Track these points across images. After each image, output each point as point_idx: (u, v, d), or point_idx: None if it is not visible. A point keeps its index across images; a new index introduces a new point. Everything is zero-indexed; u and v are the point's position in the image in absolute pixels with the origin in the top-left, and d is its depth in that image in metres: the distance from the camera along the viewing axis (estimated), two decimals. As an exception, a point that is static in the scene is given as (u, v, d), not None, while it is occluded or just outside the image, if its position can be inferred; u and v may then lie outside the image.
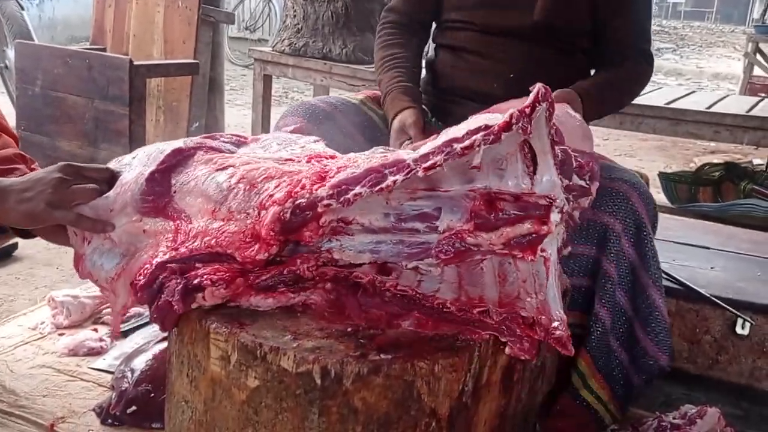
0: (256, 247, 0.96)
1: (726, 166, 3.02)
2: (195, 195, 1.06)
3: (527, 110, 0.91)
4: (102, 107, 2.95)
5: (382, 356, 0.91)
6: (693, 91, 3.31)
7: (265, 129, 3.77)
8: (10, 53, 4.25)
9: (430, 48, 1.78)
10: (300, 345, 0.91)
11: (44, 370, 1.59)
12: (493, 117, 0.93)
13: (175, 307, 0.96)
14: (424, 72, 1.74)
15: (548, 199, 0.94)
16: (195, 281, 0.96)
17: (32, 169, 1.28)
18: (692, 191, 2.98)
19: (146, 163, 1.11)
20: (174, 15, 3.55)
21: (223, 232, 1.00)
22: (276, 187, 0.99)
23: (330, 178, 0.97)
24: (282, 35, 3.55)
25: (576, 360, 1.37)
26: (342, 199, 0.93)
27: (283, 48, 3.50)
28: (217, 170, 1.07)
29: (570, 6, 1.55)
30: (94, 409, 1.45)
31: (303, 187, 0.99)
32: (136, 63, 2.87)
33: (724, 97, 3.01)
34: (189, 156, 1.12)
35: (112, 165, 1.16)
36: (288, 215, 0.95)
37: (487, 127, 0.91)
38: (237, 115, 6.09)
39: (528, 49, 1.56)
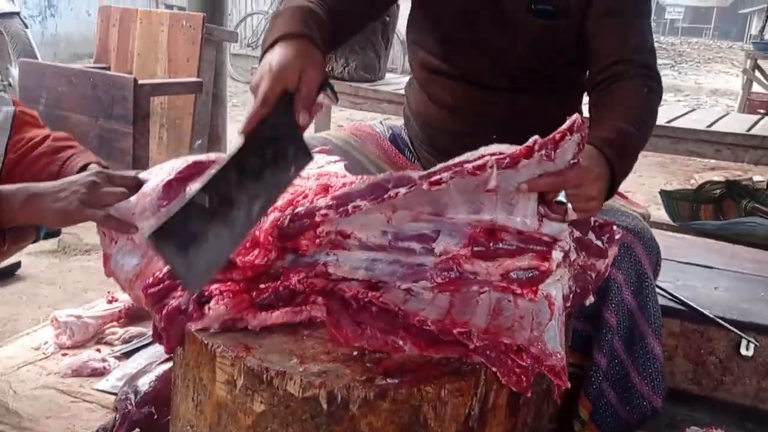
0: (256, 251, 0.98)
1: (727, 184, 3.03)
2: None
3: (557, 137, 0.90)
4: (106, 126, 2.96)
5: (389, 381, 0.90)
6: (693, 109, 3.33)
7: (267, 146, 3.80)
8: (14, 71, 4.28)
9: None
10: (306, 369, 0.91)
11: (48, 391, 1.59)
12: (509, 147, 0.93)
13: (189, 316, 0.96)
14: (406, 105, 1.65)
15: (552, 239, 0.93)
16: (205, 293, 0.98)
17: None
18: (694, 209, 2.98)
19: (168, 172, 1.16)
20: (178, 34, 3.58)
21: None
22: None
23: (334, 191, 0.99)
24: (284, 54, 3.57)
25: (577, 405, 1.39)
26: (341, 209, 0.94)
27: (285, 66, 3.52)
28: None
29: (552, 48, 1.40)
30: (97, 431, 1.45)
31: (305, 197, 1.00)
32: (140, 82, 2.89)
33: (725, 116, 3.02)
34: (206, 168, 1.15)
35: (143, 174, 1.21)
36: (286, 221, 0.96)
37: (501, 152, 0.90)
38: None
39: (511, 101, 1.44)
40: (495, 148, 0.93)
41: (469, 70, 1.45)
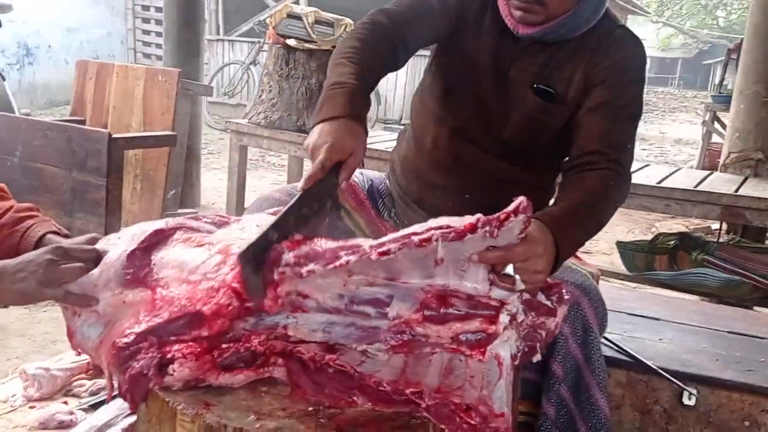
0: (222, 292, 1.03)
1: (680, 236, 3.16)
2: (172, 266, 1.14)
3: (501, 217, 0.97)
4: (80, 178, 3.02)
5: (342, 435, 0.97)
6: (647, 165, 3.49)
7: (241, 196, 3.87)
8: (-10, 122, 4.32)
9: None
10: (263, 425, 0.97)
11: (14, 445, 1.61)
12: (458, 219, 0.99)
13: (152, 379, 1.02)
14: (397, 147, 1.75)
15: (500, 302, 0.99)
16: (168, 355, 1.02)
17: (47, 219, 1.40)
18: (649, 260, 3.10)
19: (129, 242, 1.19)
20: (154, 88, 3.68)
21: (195, 291, 1.07)
22: None
23: (300, 249, 1.03)
24: (258, 108, 3.69)
25: None
26: (295, 271, 1.00)
27: (258, 120, 3.64)
28: (197, 246, 1.15)
29: (545, 126, 1.50)
30: (63, 485, 1.47)
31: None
32: (114, 136, 2.96)
33: (676, 171, 3.18)
34: (169, 236, 1.20)
35: (100, 245, 1.24)
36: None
37: (449, 226, 0.96)
38: (213, 179, 6.18)
39: (493, 166, 1.54)
40: (444, 220, 0.99)
41: (464, 126, 1.55)
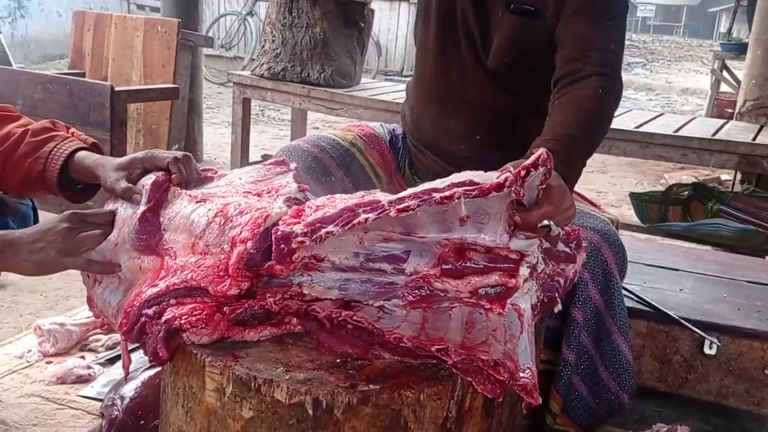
0: (228, 282, 1.01)
1: (694, 187, 3.12)
2: (180, 231, 1.12)
3: (522, 173, 0.94)
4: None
5: (371, 387, 0.95)
6: (661, 114, 3.43)
7: (245, 150, 3.82)
8: (-13, 76, 4.23)
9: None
10: (292, 377, 0.96)
11: (33, 399, 1.61)
12: (482, 174, 0.96)
13: (161, 354, 1.00)
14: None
15: (519, 254, 0.96)
16: (175, 324, 1.00)
17: (70, 133, 1.33)
18: (662, 211, 3.07)
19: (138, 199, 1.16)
20: (153, 40, 3.59)
21: (200, 266, 1.05)
22: (245, 223, 1.04)
23: (306, 216, 1.01)
24: (261, 60, 3.61)
25: (548, 399, 1.44)
26: (315, 236, 0.97)
27: (261, 72, 3.56)
28: (198, 203, 1.12)
29: (528, 45, 1.47)
30: (84, 438, 1.48)
31: (266, 219, 1.03)
32: (117, 89, 2.90)
33: (691, 120, 3.12)
34: (168, 187, 1.17)
35: (110, 205, 1.21)
36: (251, 252, 1.00)
37: (472, 182, 0.93)
38: (214, 134, 6.11)
39: (488, 98, 1.54)
40: (467, 176, 0.96)
41: (454, 57, 1.55)
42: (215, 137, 5.96)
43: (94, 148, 1.30)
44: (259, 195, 1.16)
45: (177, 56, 3.56)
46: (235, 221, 1.05)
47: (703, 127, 2.92)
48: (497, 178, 0.93)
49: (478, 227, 0.96)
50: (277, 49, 3.52)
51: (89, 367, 1.73)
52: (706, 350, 1.69)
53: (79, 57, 3.83)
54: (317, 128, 6.70)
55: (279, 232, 0.99)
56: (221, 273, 1.02)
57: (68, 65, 3.91)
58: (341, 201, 1.02)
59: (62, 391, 1.65)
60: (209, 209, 1.10)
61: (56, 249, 1.10)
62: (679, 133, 2.74)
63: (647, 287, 1.85)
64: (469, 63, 1.54)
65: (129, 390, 1.52)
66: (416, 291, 0.99)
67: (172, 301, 1.03)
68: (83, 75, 3.69)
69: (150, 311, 1.02)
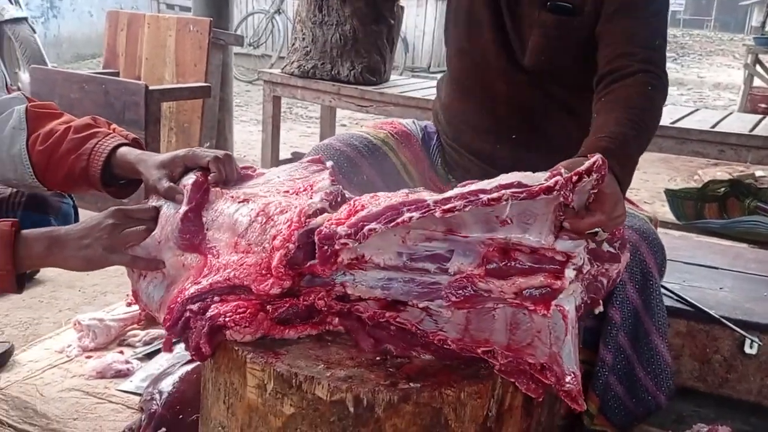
0: (270, 281, 1.02)
1: (730, 183, 3.06)
2: (223, 230, 1.12)
3: (574, 178, 0.92)
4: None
5: (412, 385, 0.95)
6: (697, 109, 3.36)
7: (275, 148, 3.84)
8: (24, 76, 4.32)
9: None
10: (333, 374, 0.96)
11: (73, 393, 1.64)
12: (530, 176, 0.94)
13: (203, 350, 1.02)
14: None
15: (566, 256, 0.95)
16: (218, 321, 1.01)
17: (112, 129, 1.35)
18: (698, 207, 3.02)
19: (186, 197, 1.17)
20: (185, 39, 3.63)
21: (242, 264, 1.05)
22: (286, 222, 1.04)
23: (350, 216, 0.99)
24: (291, 58, 3.62)
25: (585, 399, 1.42)
26: (358, 236, 0.96)
27: (292, 70, 3.57)
28: (240, 203, 1.13)
29: (566, 42, 1.45)
30: (124, 431, 1.50)
31: (309, 218, 1.03)
32: (151, 88, 2.93)
33: (728, 115, 3.06)
34: (208, 188, 1.18)
35: (153, 201, 1.22)
36: (293, 251, 1.00)
37: (520, 184, 0.91)
38: (243, 131, 6.15)
39: (524, 97, 1.51)
40: (515, 177, 0.93)
41: (488, 57, 1.53)
42: (244, 135, 6.00)
43: (135, 143, 1.32)
44: (297, 193, 1.16)
45: (209, 55, 3.59)
46: (277, 220, 1.06)
47: (739, 123, 2.86)
48: (547, 180, 0.91)
49: (524, 227, 0.94)
50: (308, 47, 3.53)
51: (128, 362, 1.76)
52: (747, 350, 1.66)
53: (112, 56, 3.88)
54: (344, 125, 6.70)
55: (322, 232, 0.98)
56: (263, 271, 1.03)
57: (102, 64, 3.97)
58: (385, 199, 1.01)
59: (102, 385, 1.69)
60: (251, 209, 1.10)
61: (102, 245, 1.11)
62: (716, 129, 2.69)
63: (687, 286, 1.82)
64: (503, 62, 1.53)
65: (167, 385, 1.54)
66: (460, 291, 0.98)
67: (216, 298, 1.04)
68: (117, 74, 3.74)
69: (194, 307, 1.04)
